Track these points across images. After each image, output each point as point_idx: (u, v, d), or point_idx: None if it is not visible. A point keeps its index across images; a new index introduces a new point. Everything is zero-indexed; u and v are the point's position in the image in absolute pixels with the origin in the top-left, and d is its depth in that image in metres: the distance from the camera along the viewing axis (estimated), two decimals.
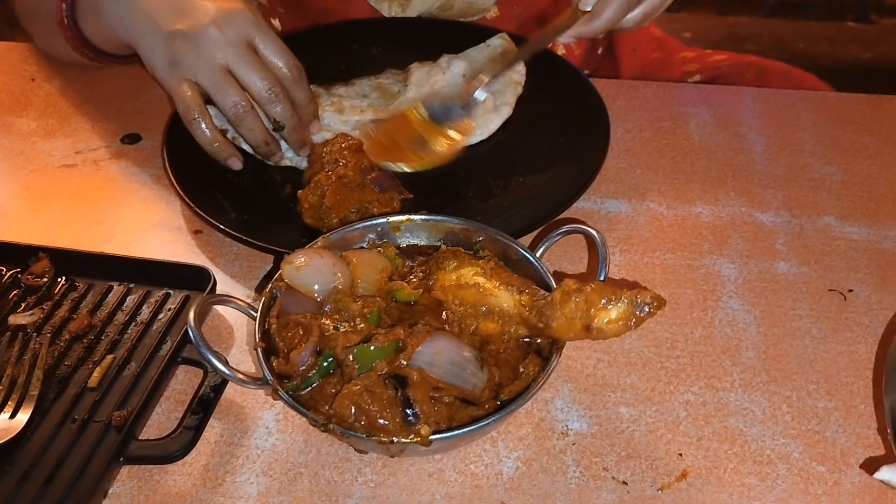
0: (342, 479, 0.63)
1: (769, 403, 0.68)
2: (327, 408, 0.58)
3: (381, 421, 0.56)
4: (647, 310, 0.57)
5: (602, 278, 0.67)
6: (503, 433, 0.66)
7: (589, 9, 0.80)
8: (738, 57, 1.26)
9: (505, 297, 0.63)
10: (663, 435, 0.66)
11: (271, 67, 0.83)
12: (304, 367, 0.59)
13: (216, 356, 0.59)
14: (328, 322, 0.61)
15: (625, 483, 0.62)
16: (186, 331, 0.67)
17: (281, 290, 0.63)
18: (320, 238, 0.69)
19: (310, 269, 0.64)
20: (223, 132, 0.87)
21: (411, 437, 0.56)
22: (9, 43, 1.15)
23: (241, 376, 0.60)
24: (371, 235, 0.71)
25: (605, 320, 0.57)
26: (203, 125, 0.84)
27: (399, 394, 0.57)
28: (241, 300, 0.65)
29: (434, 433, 0.56)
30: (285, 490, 0.62)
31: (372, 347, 0.59)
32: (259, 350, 0.61)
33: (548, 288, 0.65)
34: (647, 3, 0.83)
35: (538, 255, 0.69)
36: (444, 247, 0.70)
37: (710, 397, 0.68)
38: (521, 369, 0.62)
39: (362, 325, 0.60)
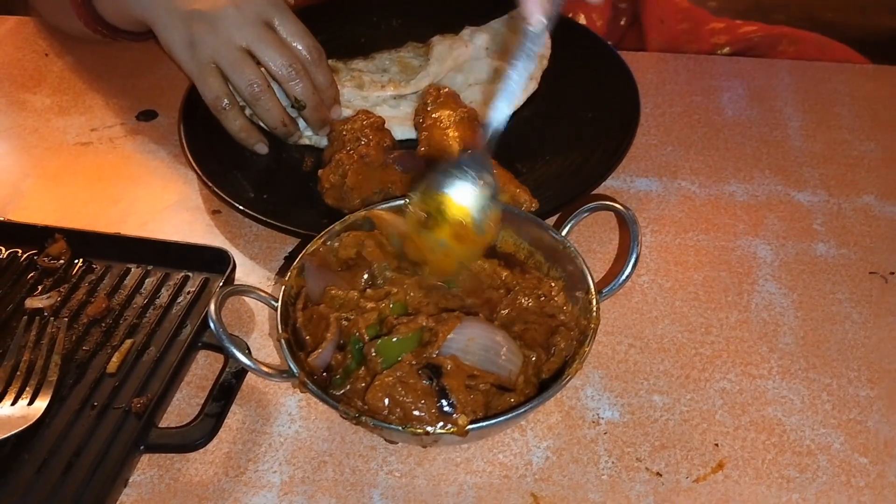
0: (367, 468, 0.61)
1: (808, 392, 0.65)
2: (358, 401, 0.56)
3: (416, 412, 0.54)
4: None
5: (633, 259, 0.64)
6: (532, 422, 0.64)
7: None
8: (770, 28, 1.21)
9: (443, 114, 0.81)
10: (698, 424, 0.63)
11: (290, 49, 0.81)
12: (331, 363, 0.57)
13: (240, 348, 0.57)
14: (342, 313, 0.59)
15: (659, 474, 0.60)
16: (206, 315, 0.65)
17: (311, 264, 0.63)
18: (338, 224, 0.67)
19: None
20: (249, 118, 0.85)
21: (448, 427, 0.54)
22: (21, 17, 1.12)
23: (266, 369, 0.58)
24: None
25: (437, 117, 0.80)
26: (233, 115, 0.83)
27: (434, 384, 0.54)
28: (262, 290, 0.63)
29: (471, 422, 0.54)
30: (309, 479, 0.61)
31: (394, 339, 0.56)
32: (283, 342, 0.59)
33: (582, 275, 0.63)
34: None
35: (564, 233, 0.66)
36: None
37: (746, 385, 0.66)
38: (552, 347, 0.60)
39: (370, 305, 0.59)
